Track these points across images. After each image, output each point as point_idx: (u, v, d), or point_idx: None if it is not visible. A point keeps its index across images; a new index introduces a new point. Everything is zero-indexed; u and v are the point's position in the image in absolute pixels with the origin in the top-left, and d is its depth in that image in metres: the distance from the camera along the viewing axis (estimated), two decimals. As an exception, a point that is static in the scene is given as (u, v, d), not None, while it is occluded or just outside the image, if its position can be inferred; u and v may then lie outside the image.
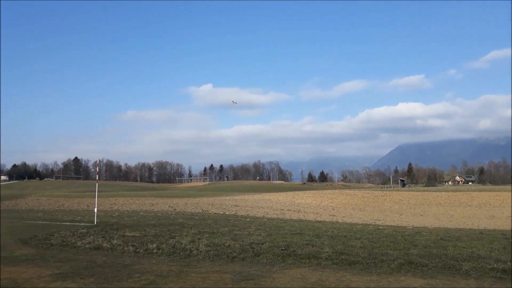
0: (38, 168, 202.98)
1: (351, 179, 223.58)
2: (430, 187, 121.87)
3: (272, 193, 75.43)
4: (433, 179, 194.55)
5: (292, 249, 11.21)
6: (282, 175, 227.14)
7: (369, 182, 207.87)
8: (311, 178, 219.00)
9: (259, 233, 15.21)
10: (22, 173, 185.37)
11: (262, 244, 12.22)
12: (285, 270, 8.76)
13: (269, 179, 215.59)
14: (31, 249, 11.66)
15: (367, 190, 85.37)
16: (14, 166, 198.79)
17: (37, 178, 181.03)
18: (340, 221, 28.27)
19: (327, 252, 10.71)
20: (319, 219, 28.65)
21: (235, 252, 10.89)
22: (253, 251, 10.93)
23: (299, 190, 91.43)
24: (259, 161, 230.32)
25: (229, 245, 11.93)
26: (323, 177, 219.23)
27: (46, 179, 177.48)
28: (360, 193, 72.71)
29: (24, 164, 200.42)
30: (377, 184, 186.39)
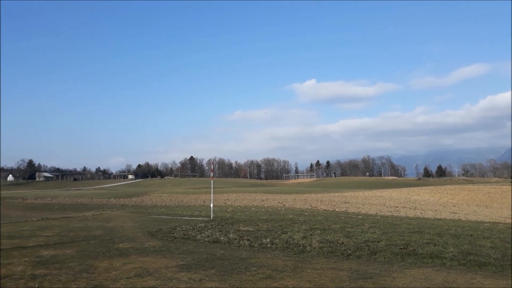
0: (159, 168, 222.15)
1: (474, 173, 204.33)
2: None
3: (384, 190, 72.36)
4: None
5: (411, 248, 10.56)
6: (394, 170, 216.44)
7: (495, 176, 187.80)
8: (427, 173, 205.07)
9: (373, 231, 14.65)
10: (146, 172, 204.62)
11: (378, 242, 11.73)
12: (405, 269, 8.26)
13: (380, 174, 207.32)
14: (157, 241, 12.69)
15: (493, 185, 77.18)
16: (139, 166, 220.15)
17: (158, 176, 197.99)
18: (463, 219, 25.99)
19: (451, 252, 9.88)
20: (438, 216, 26.65)
21: (349, 249, 10.60)
22: (368, 249, 10.53)
23: (414, 186, 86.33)
24: (369, 156, 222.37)
25: (342, 242, 11.68)
26: (441, 172, 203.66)
27: (166, 177, 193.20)
28: (486, 188, 66.06)
29: (147, 164, 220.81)
30: (505, 178, 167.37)
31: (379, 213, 27.17)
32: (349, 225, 16.64)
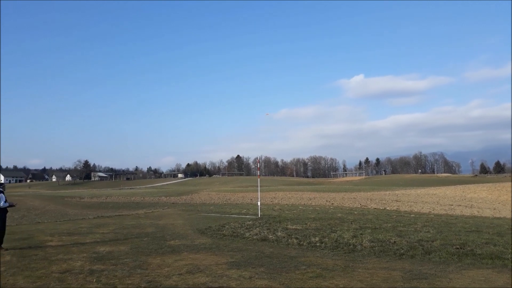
0: (207, 166, 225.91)
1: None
2: None
3: (438, 187, 69.48)
4: None
5: (469, 248, 10.07)
6: (448, 167, 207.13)
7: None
8: (484, 170, 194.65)
9: (427, 230, 14.11)
10: (194, 171, 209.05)
11: (432, 241, 11.28)
12: (463, 270, 7.87)
13: (432, 172, 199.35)
14: (207, 239, 12.91)
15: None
16: (188, 165, 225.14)
17: (206, 175, 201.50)
18: (526, 218, 24.41)
19: (514, 253, 9.29)
20: (497, 215, 25.21)
21: (402, 249, 10.27)
22: (422, 249, 10.15)
23: (470, 183, 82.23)
24: (420, 152, 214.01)
25: (394, 242, 11.33)
26: (499, 168, 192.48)
27: (214, 175, 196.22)
28: (549, 185, 61.69)
29: (196, 163, 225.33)
30: None
31: (433, 212, 26.13)
32: (401, 224, 16.12)
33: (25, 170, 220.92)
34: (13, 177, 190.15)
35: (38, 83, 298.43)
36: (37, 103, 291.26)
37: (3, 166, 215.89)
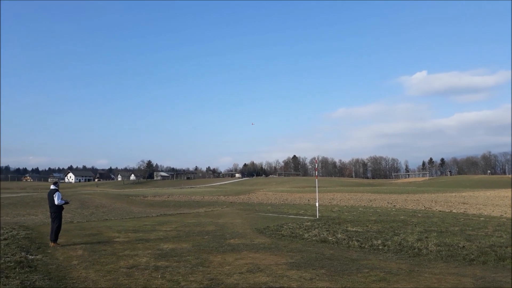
0: (263, 166, 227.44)
1: None
2: None
3: (510, 189, 64.97)
4: None
5: (549, 256, 9.28)
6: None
7: None
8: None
9: (499, 235, 13.23)
10: (251, 171, 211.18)
11: (506, 247, 10.55)
12: (543, 280, 7.26)
13: (503, 172, 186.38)
14: (266, 238, 12.95)
15: None
16: (245, 165, 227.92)
17: (263, 175, 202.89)
18: None
19: None
20: None
21: (472, 254, 9.69)
22: (495, 255, 9.52)
23: (546, 186, 76.09)
24: (489, 152, 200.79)
25: (463, 246, 10.72)
26: None
27: (270, 175, 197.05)
28: None
29: (252, 163, 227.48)
30: None
31: (504, 215, 24.42)
32: (470, 228, 15.24)
33: (93, 170, 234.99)
34: (82, 176, 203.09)
35: (105, 86, 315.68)
36: (105, 105, 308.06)
37: (74, 166, 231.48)
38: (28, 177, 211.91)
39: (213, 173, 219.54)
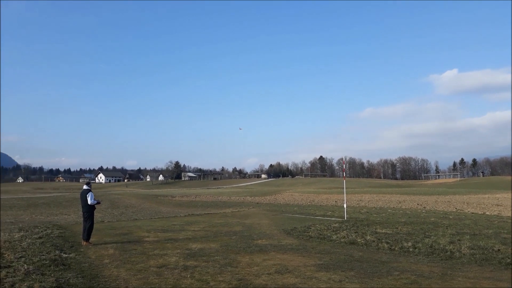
0: (289, 167, 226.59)
1: None
2: None
3: (546, 191, 62.49)
4: None
5: None
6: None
7: None
8: None
9: (537, 238, 12.71)
10: (277, 172, 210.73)
11: (545, 251, 10.12)
12: None
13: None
14: (293, 240, 12.89)
15: None
16: (271, 166, 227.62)
17: (289, 176, 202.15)
18: None
19: None
20: None
21: (508, 258, 9.36)
22: (533, 259, 9.15)
23: None
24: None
25: (499, 250, 10.37)
26: None
27: (296, 176, 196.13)
28: None
29: (278, 164, 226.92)
30: None
31: (542, 218, 23.49)
32: (505, 231, 14.72)
33: (123, 171, 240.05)
34: (112, 177, 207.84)
35: (132, 90, 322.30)
36: (134, 108, 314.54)
37: (104, 167, 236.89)
38: (60, 177, 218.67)
39: (239, 174, 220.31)
